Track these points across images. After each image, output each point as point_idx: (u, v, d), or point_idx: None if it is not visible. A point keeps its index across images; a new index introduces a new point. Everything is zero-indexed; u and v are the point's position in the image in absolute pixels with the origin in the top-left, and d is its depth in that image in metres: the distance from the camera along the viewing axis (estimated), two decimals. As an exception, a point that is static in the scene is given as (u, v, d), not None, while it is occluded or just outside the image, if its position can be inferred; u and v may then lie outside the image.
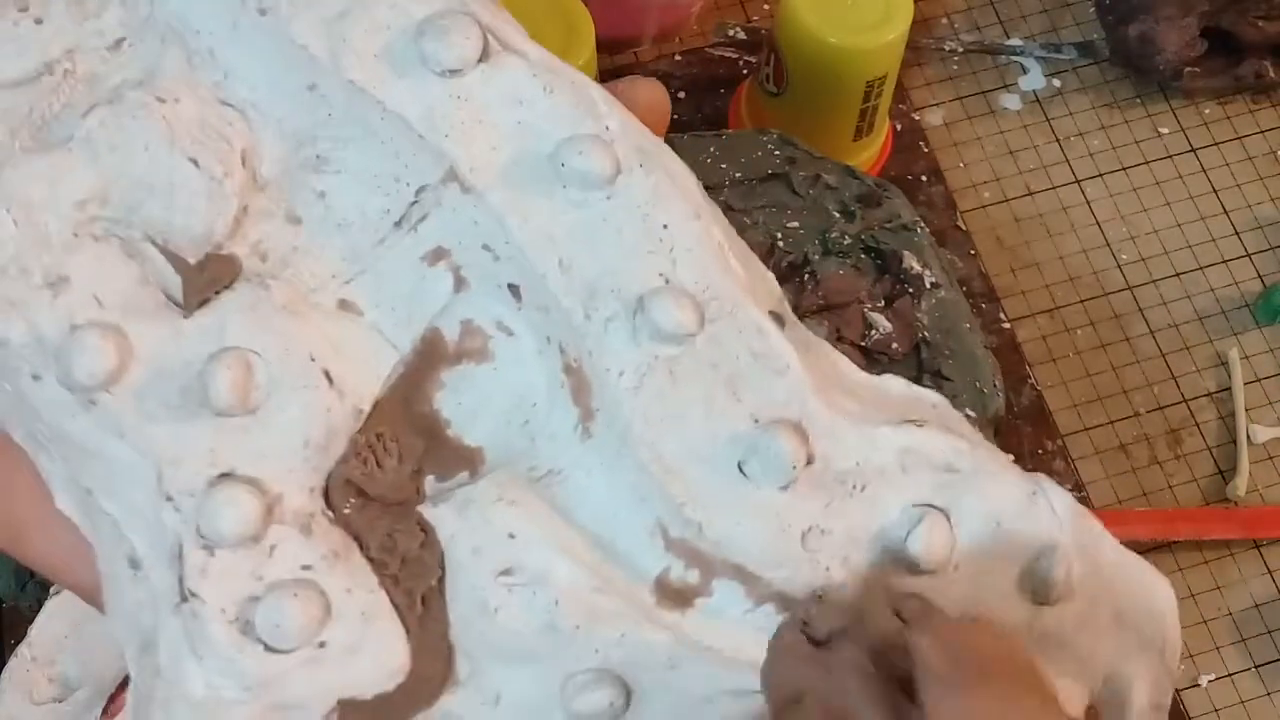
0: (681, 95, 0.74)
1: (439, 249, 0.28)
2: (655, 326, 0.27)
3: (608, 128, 0.27)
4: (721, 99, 0.74)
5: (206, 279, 0.27)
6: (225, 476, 0.26)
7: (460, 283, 0.28)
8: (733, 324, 0.27)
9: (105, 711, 0.53)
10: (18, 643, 0.54)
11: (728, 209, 0.61)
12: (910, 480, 0.28)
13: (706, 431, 0.27)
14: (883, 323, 0.59)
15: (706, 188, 0.63)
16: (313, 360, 0.27)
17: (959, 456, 0.28)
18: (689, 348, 0.27)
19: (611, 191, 0.27)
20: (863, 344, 0.59)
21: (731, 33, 0.76)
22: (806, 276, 0.60)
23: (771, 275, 0.29)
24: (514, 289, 0.28)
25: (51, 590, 0.53)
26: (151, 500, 0.26)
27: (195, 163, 0.27)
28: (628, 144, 0.27)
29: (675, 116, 0.74)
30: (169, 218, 0.27)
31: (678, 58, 0.75)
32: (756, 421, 0.27)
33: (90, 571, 0.27)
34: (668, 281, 0.27)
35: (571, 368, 0.27)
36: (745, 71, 0.74)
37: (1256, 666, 0.64)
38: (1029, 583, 0.29)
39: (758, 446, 0.27)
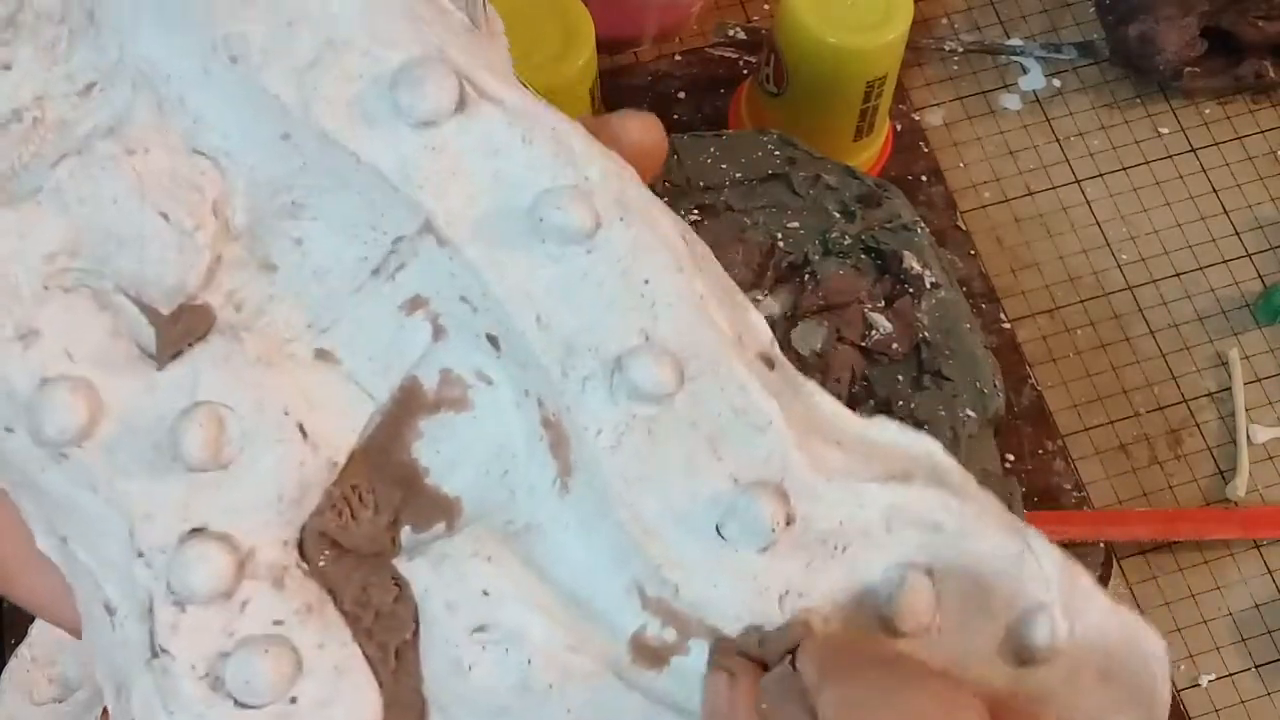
0: (681, 95, 0.74)
1: (417, 298, 0.28)
2: (633, 386, 0.26)
3: (587, 178, 0.27)
4: (721, 99, 0.74)
5: (180, 330, 0.27)
6: (197, 532, 0.26)
7: (439, 331, 0.28)
8: (714, 381, 0.27)
9: (105, 712, 0.53)
10: (18, 643, 0.54)
11: (728, 209, 0.61)
12: (894, 540, 0.28)
13: (686, 492, 0.27)
14: (883, 323, 0.59)
15: (706, 188, 0.63)
16: (286, 414, 0.27)
17: (947, 514, 0.28)
18: (668, 407, 0.27)
19: (591, 245, 0.27)
20: (863, 344, 0.59)
21: (731, 33, 0.76)
22: (806, 277, 0.60)
23: (760, 318, 0.28)
24: (492, 339, 0.27)
25: None
26: (124, 554, 0.26)
27: (165, 216, 0.27)
28: (608, 195, 0.27)
29: (675, 116, 0.74)
30: (140, 270, 0.27)
31: (678, 58, 0.75)
32: (736, 482, 0.27)
33: (74, 613, 0.27)
34: (648, 338, 0.27)
35: (550, 421, 0.27)
36: (745, 71, 0.74)
37: (1256, 666, 0.64)
38: (1013, 643, 0.28)
39: (736, 509, 0.27)
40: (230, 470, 0.26)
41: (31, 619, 0.54)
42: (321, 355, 0.28)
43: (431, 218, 0.26)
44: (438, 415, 0.28)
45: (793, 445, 0.27)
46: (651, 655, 0.27)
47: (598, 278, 0.27)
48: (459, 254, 0.26)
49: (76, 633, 0.28)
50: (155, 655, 0.26)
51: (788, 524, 0.27)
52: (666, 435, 0.27)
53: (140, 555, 0.26)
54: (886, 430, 0.29)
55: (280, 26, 0.26)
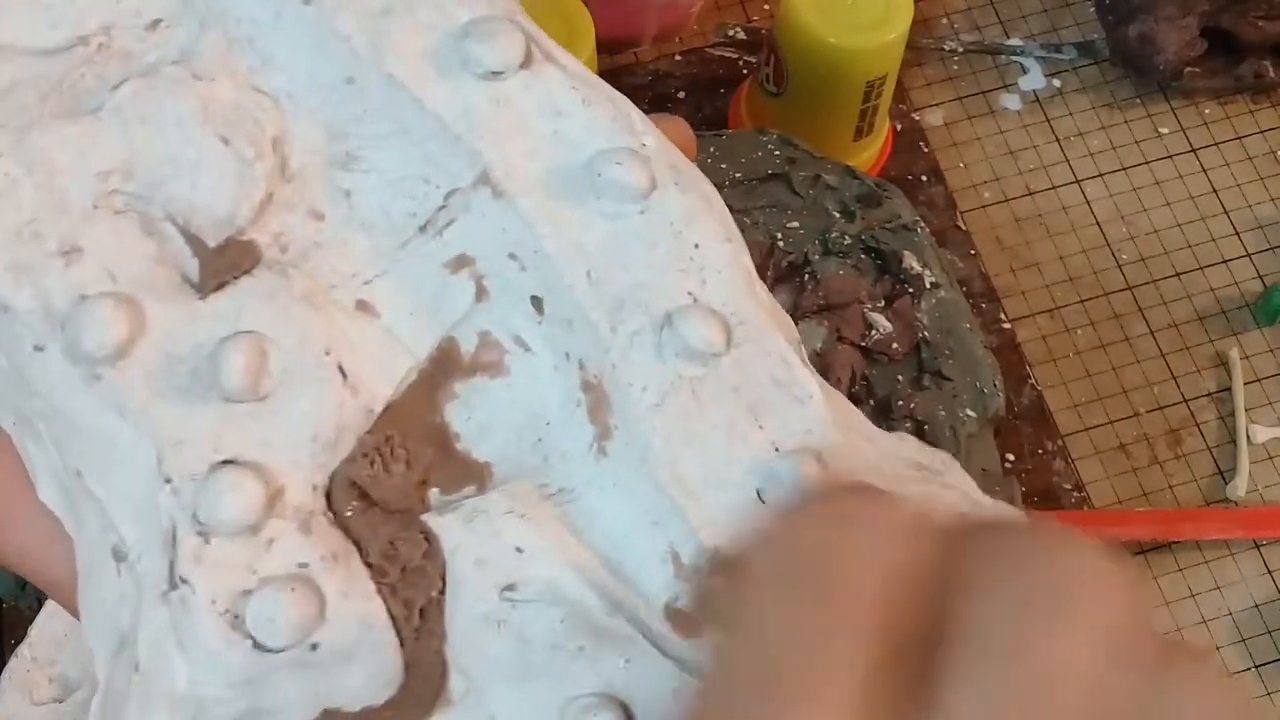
0: (681, 95, 0.74)
1: (463, 256, 0.28)
2: (682, 343, 0.26)
3: (644, 144, 0.27)
4: (721, 99, 0.74)
5: (225, 263, 0.26)
6: (228, 463, 0.25)
7: (481, 292, 0.28)
8: (758, 349, 0.27)
9: (105, 712, 0.53)
10: (18, 643, 0.54)
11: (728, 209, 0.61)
12: None
13: (727, 456, 0.27)
14: (883, 323, 0.59)
15: (706, 188, 0.63)
16: (328, 354, 0.26)
17: (974, 509, 0.28)
18: (714, 369, 0.27)
19: (645, 206, 0.27)
20: (863, 344, 0.59)
21: (731, 33, 0.76)
22: (806, 276, 0.60)
23: (789, 319, 0.29)
24: (536, 301, 0.27)
25: (52, 590, 0.53)
26: (147, 483, 0.25)
27: (226, 141, 0.27)
28: (663, 162, 0.27)
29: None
30: (193, 196, 0.27)
31: (678, 58, 0.75)
32: (777, 450, 0.27)
33: (65, 569, 0.26)
34: (696, 300, 0.27)
35: (590, 384, 0.27)
36: (745, 71, 0.74)
37: (1256, 666, 0.64)
38: None
39: (779, 473, 0.26)
40: (267, 403, 0.26)
41: (31, 619, 0.54)
42: (363, 306, 0.28)
43: (489, 168, 0.27)
44: (473, 379, 0.28)
45: (832, 423, 0.27)
46: (686, 623, 0.27)
47: (650, 237, 0.27)
48: (513, 206, 0.27)
49: (64, 595, 0.27)
50: (174, 587, 0.25)
51: None
52: (710, 398, 0.27)
53: (168, 482, 0.25)
54: (910, 441, 0.29)
55: None
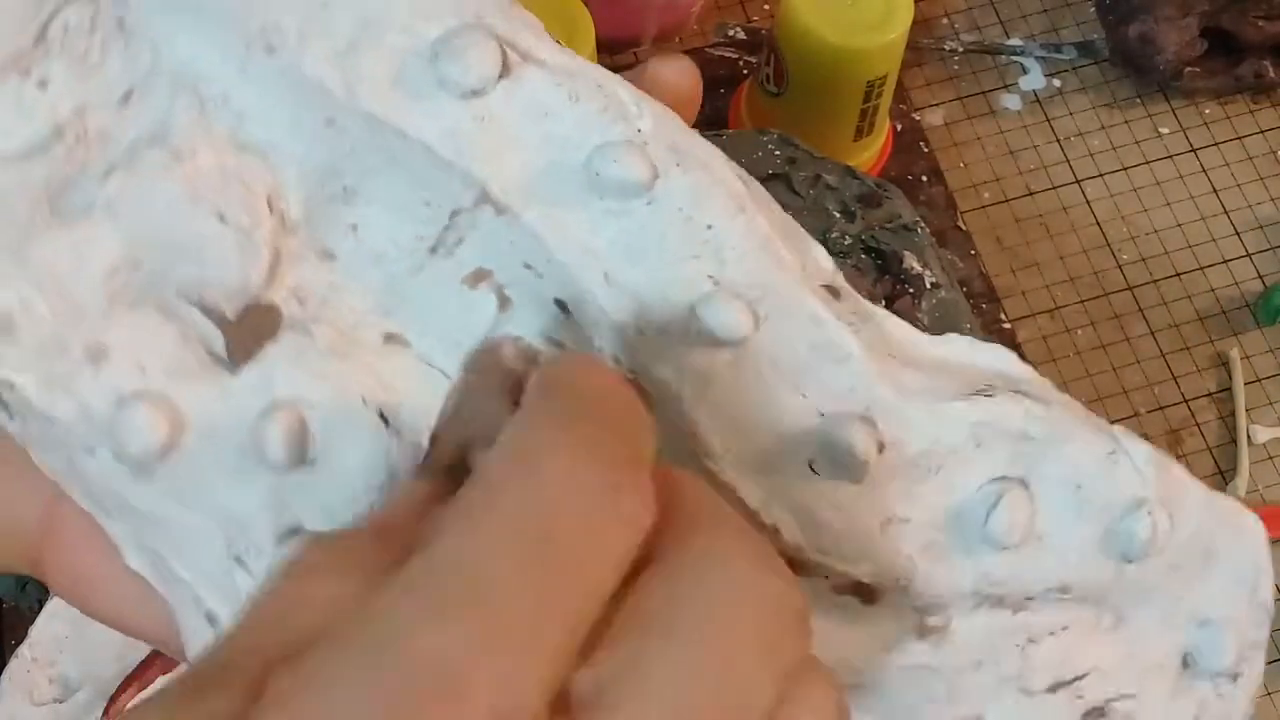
0: (681, 95, 0.74)
1: (479, 270, 0.27)
2: (710, 333, 0.26)
3: (639, 130, 0.26)
4: (722, 99, 0.74)
5: (249, 332, 0.26)
6: (293, 532, 0.26)
7: (505, 302, 0.27)
8: (789, 318, 0.26)
9: (105, 713, 0.53)
10: (18, 643, 0.54)
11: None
12: (985, 455, 0.27)
13: (773, 433, 0.26)
14: (883, 323, 0.59)
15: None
16: (365, 403, 0.26)
17: (1033, 423, 0.28)
18: (746, 348, 0.26)
19: (650, 197, 0.26)
20: (863, 344, 0.59)
21: (731, 33, 0.76)
22: (807, 277, 0.60)
23: (821, 250, 0.28)
24: (560, 304, 0.27)
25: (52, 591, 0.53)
26: (221, 563, 0.26)
27: (222, 218, 0.26)
28: (662, 144, 0.26)
29: (675, 117, 0.74)
30: (202, 275, 0.26)
31: (678, 58, 0.75)
32: (823, 415, 0.26)
33: (160, 624, 0.27)
34: (718, 283, 0.26)
35: (626, 380, 0.27)
36: (745, 72, 0.74)
37: (1257, 666, 0.64)
38: (1116, 543, 0.28)
39: (827, 443, 0.26)
40: (317, 466, 0.26)
41: (32, 619, 0.54)
42: (391, 339, 0.27)
43: (486, 187, 0.26)
44: None
45: (874, 375, 0.27)
46: None
47: (660, 229, 0.26)
48: (517, 220, 0.26)
49: (164, 645, 0.27)
50: None
51: (880, 451, 0.27)
52: (748, 377, 0.26)
53: (239, 561, 0.25)
54: (958, 346, 0.29)
55: (315, 10, 0.26)
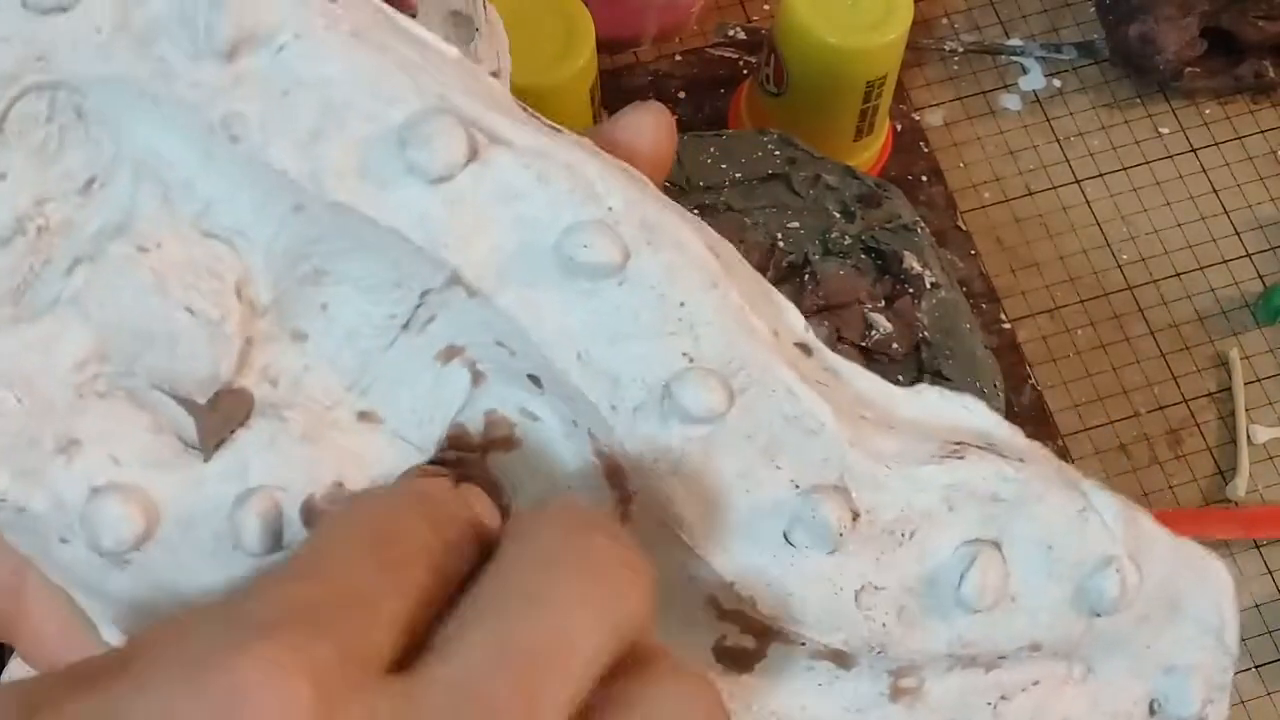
0: (681, 95, 0.74)
1: (451, 347, 0.27)
2: (684, 411, 0.26)
3: (610, 208, 0.26)
4: (721, 99, 0.74)
5: (220, 418, 0.26)
6: None
7: (478, 377, 0.27)
8: (763, 391, 0.27)
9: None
10: (18, 643, 0.54)
11: (728, 209, 0.61)
12: (957, 518, 0.28)
13: (748, 506, 0.27)
14: (883, 323, 0.59)
15: (706, 188, 0.63)
16: (340, 485, 0.26)
17: (1004, 484, 0.28)
18: (722, 424, 0.26)
19: (623, 277, 0.26)
20: (863, 344, 0.59)
21: (731, 33, 0.76)
22: (806, 277, 0.60)
23: (791, 307, 0.28)
24: (534, 378, 0.27)
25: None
26: None
27: (190, 310, 0.26)
28: (633, 222, 0.26)
29: (675, 116, 0.74)
30: (172, 365, 0.26)
31: (678, 58, 0.75)
32: (797, 487, 0.27)
33: None
34: (691, 361, 0.26)
35: (602, 452, 0.27)
36: (745, 72, 0.74)
37: (1256, 667, 0.64)
38: (1086, 600, 0.29)
39: (801, 515, 0.27)
40: (293, 549, 0.26)
41: (31, 619, 0.54)
42: (364, 417, 0.27)
43: (459, 271, 0.26)
44: (487, 459, 0.28)
45: (847, 444, 0.27)
46: (735, 659, 0.28)
47: (634, 308, 0.26)
48: (489, 302, 0.26)
49: None
50: None
51: (854, 520, 0.27)
52: (723, 452, 0.27)
53: None
54: (928, 400, 0.29)
55: (276, 98, 0.25)
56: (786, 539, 0.27)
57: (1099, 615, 0.29)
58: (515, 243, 0.26)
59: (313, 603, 0.20)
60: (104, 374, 0.26)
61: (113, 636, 0.26)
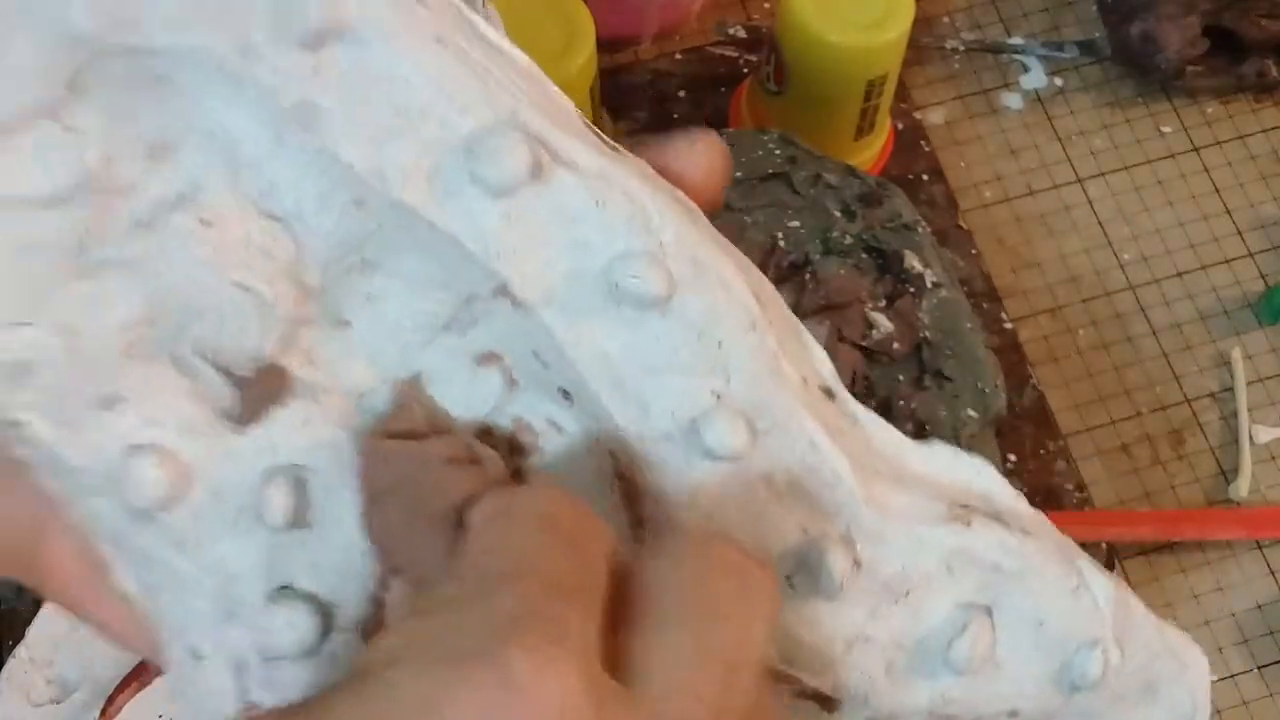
0: (681, 94, 0.74)
1: (489, 353, 0.28)
2: (708, 447, 0.27)
3: (661, 243, 0.27)
4: (722, 98, 0.74)
5: (259, 394, 0.27)
6: (284, 589, 0.26)
7: (511, 383, 0.28)
8: (785, 437, 0.27)
9: (103, 713, 0.52)
10: (16, 644, 0.54)
11: (728, 208, 0.61)
12: (955, 582, 0.28)
13: (757, 547, 0.27)
14: (884, 322, 0.59)
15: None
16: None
17: (1006, 556, 0.29)
18: (741, 464, 0.27)
19: (666, 310, 0.27)
20: (864, 344, 0.59)
21: (732, 31, 0.75)
22: (807, 276, 0.60)
23: (821, 351, 0.29)
24: (565, 392, 0.28)
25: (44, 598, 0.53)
26: (213, 611, 0.26)
27: (243, 286, 0.27)
28: (683, 257, 0.27)
29: (675, 115, 0.74)
30: (219, 339, 0.27)
31: (678, 56, 0.75)
32: (805, 532, 0.27)
33: (150, 642, 0.27)
34: (720, 399, 0.27)
35: (623, 474, 0.28)
36: (746, 70, 0.74)
37: (1259, 668, 0.64)
38: (1068, 675, 0.29)
39: (806, 562, 0.27)
40: (315, 530, 0.27)
41: (29, 620, 0.54)
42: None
43: (508, 284, 0.26)
44: (511, 460, 0.28)
45: (860, 499, 0.28)
46: None
47: (673, 342, 0.27)
48: (533, 316, 0.27)
49: (151, 658, 0.28)
50: (247, 708, 0.26)
51: (855, 569, 0.28)
52: (739, 491, 0.27)
53: (230, 615, 0.26)
54: (941, 458, 0.29)
55: (353, 93, 0.26)
56: (789, 582, 0.28)
57: (1078, 691, 0.29)
58: (567, 263, 0.27)
59: (543, 599, 0.21)
60: (150, 337, 0.26)
61: (128, 589, 0.27)
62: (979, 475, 0.29)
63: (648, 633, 0.22)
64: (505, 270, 0.26)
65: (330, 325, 0.27)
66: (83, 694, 0.53)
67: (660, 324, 0.27)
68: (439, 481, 0.26)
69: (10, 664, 0.53)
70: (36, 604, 0.54)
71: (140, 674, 0.53)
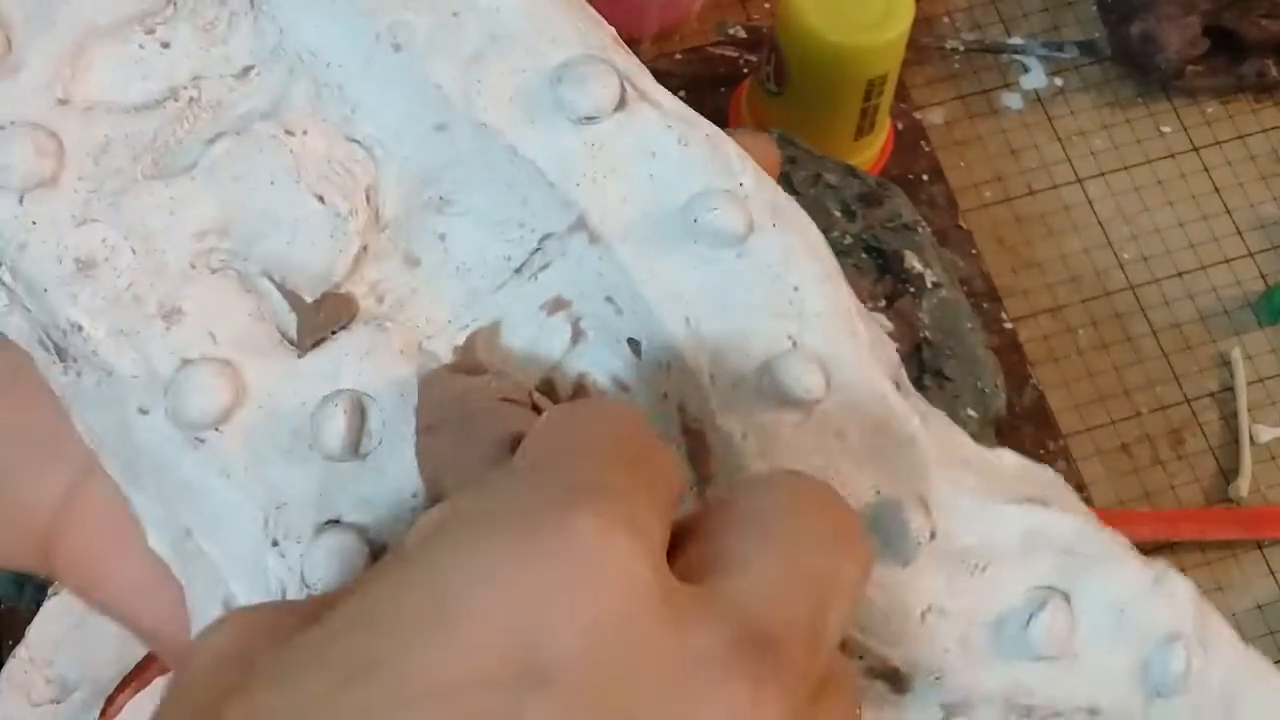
0: (681, 94, 0.74)
1: (559, 299, 0.27)
2: (782, 391, 0.26)
3: (741, 184, 0.27)
4: (722, 98, 0.74)
5: (323, 318, 0.26)
6: (332, 523, 0.25)
7: (578, 335, 0.27)
8: (858, 392, 0.27)
9: (103, 713, 0.52)
10: (16, 644, 0.53)
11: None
12: (1032, 562, 0.28)
13: None
14: (884, 322, 0.59)
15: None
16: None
17: (1083, 540, 0.28)
18: (814, 414, 0.26)
19: (743, 250, 0.26)
20: (864, 344, 0.59)
21: (732, 31, 0.75)
22: (807, 276, 0.60)
23: (890, 341, 0.28)
24: (634, 344, 0.27)
25: (50, 591, 0.53)
26: (255, 544, 0.25)
27: (321, 199, 0.27)
28: (761, 201, 0.27)
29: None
30: (289, 253, 0.26)
31: (678, 56, 0.75)
32: (879, 493, 0.27)
33: (166, 616, 0.26)
34: (795, 344, 0.26)
35: (690, 429, 0.27)
36: (746, 70, 0.74)
37: (1259, 667, 0.64)
38: (1149, 674, 0.28)
39: (881, 521, 0.27)
40: (368, 461, 0.26)
41: (29, 620, 0.53)
42: (460, 351, 0.27)
43: (585, 215, 0.26)
44: None
45: (933, 461, 0.27)
46: None
47: (749, 281, 0.26)
48: (610, 253, 0.26)
49: (159, 642, 0.27)
50: None
51: (930, 538, 0.27)
52: (811, 443, 0.26)
53: (275, 545, 0.25)
54: (1011, 456, 0.29)
55: (446, 17, 0.26)
56: None
57: (1159, 696, 0.28)
58: (645, 198, 0.26)
59: (614, 473, 0.20)
60: (221, 249, 0.26)
61: (157, 541, 0.26)
62: (1047, 473, 0.29)
63: (731, 541, 0.21)
64: (583, 199, 0.26)
65: (400, 261, 0.27)
66: (83, 694, 0.53)
67: (736, 264, 0.26)
68: (494, 415, 0.25)
69: (10, 664, 0.53)
70: (37, 604, 0.54)
71: (140, 674, 0.53)
